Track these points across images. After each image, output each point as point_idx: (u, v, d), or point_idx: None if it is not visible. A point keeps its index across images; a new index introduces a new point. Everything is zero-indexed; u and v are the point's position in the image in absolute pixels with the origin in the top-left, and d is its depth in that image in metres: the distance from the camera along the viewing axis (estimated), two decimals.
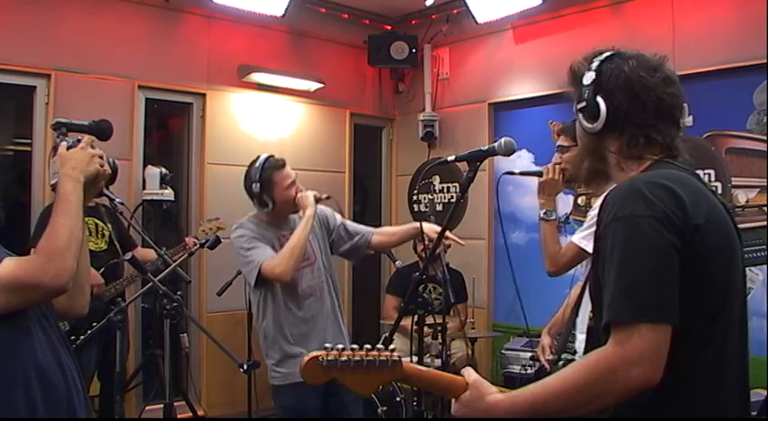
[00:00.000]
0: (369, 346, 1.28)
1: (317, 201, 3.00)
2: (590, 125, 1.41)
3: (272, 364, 2.98)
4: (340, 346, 1.28)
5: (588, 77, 1.41)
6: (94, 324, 3.07)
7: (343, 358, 1.26)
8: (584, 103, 1.41)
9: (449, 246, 4.45)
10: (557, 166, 2.62)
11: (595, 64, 1.41)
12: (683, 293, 1.20)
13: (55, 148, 1.78)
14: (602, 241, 1.28)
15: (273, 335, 2.97)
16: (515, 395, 1.28)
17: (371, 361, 1.27)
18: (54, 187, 1.73)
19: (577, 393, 1.20)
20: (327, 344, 1.28)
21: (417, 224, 3.04)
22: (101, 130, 1.92)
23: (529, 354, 4.22)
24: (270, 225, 3.02)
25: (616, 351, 1.18)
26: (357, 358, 1.27)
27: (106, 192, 1.86)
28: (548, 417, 1.29)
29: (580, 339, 2.36)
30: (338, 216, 3.24)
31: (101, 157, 1.75)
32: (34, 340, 1.53)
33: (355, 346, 1.28)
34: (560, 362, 1.59)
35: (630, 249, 1.22)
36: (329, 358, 1.26)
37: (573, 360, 1.40)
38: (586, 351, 1.39)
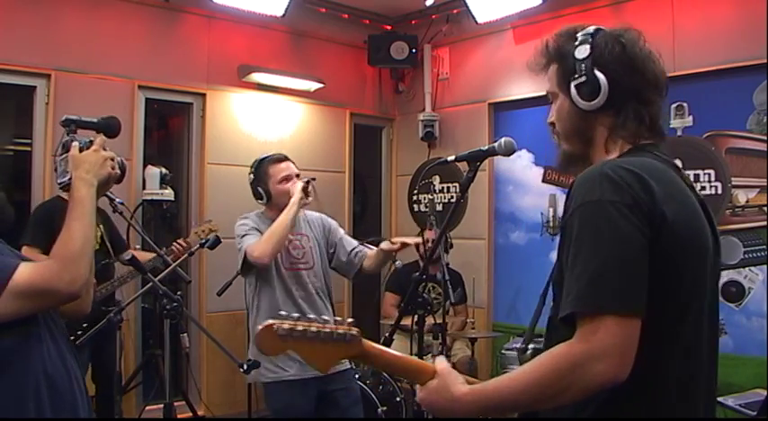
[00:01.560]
0: (326, 318, 1.23)
1: (305, 188, 2.99)
2: (588, 102, 1.31)
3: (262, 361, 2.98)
4: (296, 315, 1.22)
5: (582, 50, 1.31)
6: (85, 324, 3.07)
7: (300, 328, 1.20)
8: (583, 78, 1.30)
9: (451, 246, 4.47)
10: None
11: (586, 37, 1.32)
12: (651, 285, 1.14)
13: (64, 146, 1.77)
14: (569, 227, 1.21)
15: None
16: (480, 388, 1.24)
17: (328, 333, 1.21)
18: (62, 185, 1.72)
19: (541, 388, 1.14)
20: (282, 312, 1.24)
21: (383, 246, 3.05)
22: (109, 127, 1.91)
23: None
24: (272, 221, 3.03)
25: (580, 345, 1.11)
26: (313, 329, 1.20)
27: (107, 192, 1.86)
28: (513, 411, 1.27)
29: None
30: (341, 230, 3.26)
31: (112, 159, 1.74)
32: (44, 346, 1.52)
33: (312, 316, 1.23)
34: (528, 352, 1.54)
35: (598, 235, 1.15)
36: (285, 326, 1.19)
37: (539, 349, 1.35)
38: (545, 342, 1.32)
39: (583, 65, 1.31)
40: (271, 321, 1.21)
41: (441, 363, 1.30)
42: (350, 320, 1.25)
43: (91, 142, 1.74)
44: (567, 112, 1.37)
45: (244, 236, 2.96)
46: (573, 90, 1.33)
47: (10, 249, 1.61)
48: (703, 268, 1.24)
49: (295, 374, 2.93)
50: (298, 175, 3.06)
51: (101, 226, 3.72)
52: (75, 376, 1.59)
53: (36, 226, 3.44)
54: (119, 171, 1.77)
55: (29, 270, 1.47)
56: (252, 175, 3.03)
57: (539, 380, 1.15)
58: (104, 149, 1.73)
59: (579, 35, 1.34)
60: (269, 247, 2.85)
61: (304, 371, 2.91)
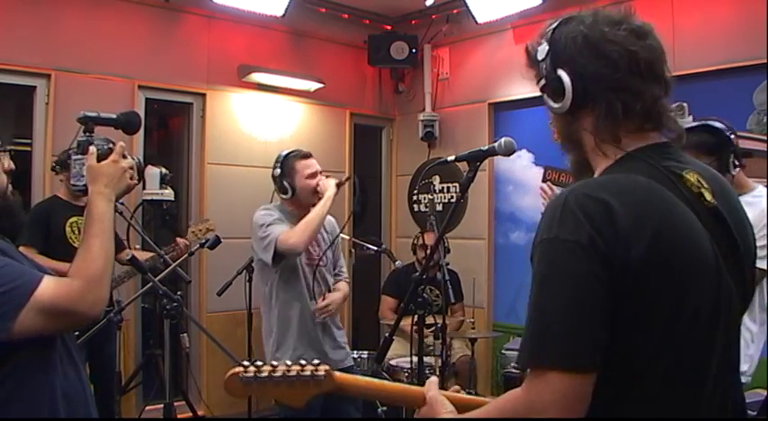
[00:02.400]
0: (289, 362, 1.24)
1: (338, 185, 3.04)
2: (557, 105, 1.20)
3: (274, 359, 2.97)
4: (259, 363, 1.23)
5: (542, 51, 1.21)
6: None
7: (263, 374, 1.22)
8: (543, 81, 1.21)
9: (448, 251, 4.47)
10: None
11: (548, 35, 1.22)
12: (622, 324, 1.05)
13: (80, 145, 1.66)
14: (532, 263, 1.13)
15: (276, 332, 2.98)
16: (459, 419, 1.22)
17: (292, 376, 1.22)
18: (76, 187, 1.64)
19: None
20: (246, 362, 1.25)
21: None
22: (129, 124, 1.80)
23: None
24: (292, 215, 3.04)
25: (522, 397, 1.07)
26: (278, 373, 1.22)
27: None
28: None
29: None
30: (339, 246, 3.29)
31: (132, 168, 1.63)
32: (59, 365, 1.47)
33: (275, 363, 1.24)
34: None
35: (548, 280, 1.07)
36: (247, 374, 1.22)
37: None
38: None
39: (543, 65, 1.22)
40: (236, 369, 1.23)
41: (430, 390, 1.27)
42: (316, 361, 1.25)
43: (110, 149, 1.62)
44: (552, 119, 1.28)
45: (270, 225, 2.92)
46: (544, 96, 1.24)
47: (19, 251, 1.57)
48: (696, 294, 1.09)
49: None
50: (321, 172, 3.09)
51: None
52: (91, 395, 1.55)
53: (33, 226, 3.43)
54: (137, 177, 1.68)
55: (53, 286, 1.38)
56: (278, 169, 3.03)
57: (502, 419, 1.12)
58: (124, 157, 1.62)
59: (546, 33, 1.23)
60: (305, 236, 2.86)
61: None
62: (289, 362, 1.24)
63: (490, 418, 1.15)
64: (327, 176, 3.13)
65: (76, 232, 3.62)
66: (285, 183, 3.01)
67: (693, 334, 1.09)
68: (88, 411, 1.52)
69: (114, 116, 1.79)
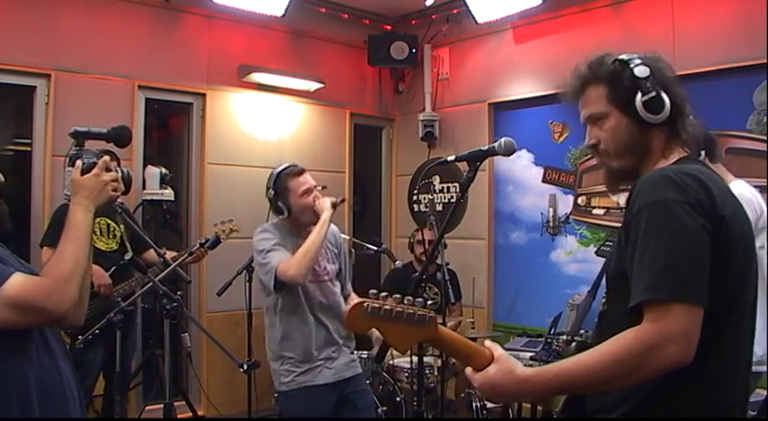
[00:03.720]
0: (410, 298, 1.30)
1: (334, 206, 2.96)
2: (655, 116, 1.43)
3: (281, 370, 2.92)
4: (384, 294, 1.29)
5: (641, 70, 1.43)
6: (103, 323, 3.07)
7: (387, 307, 1.28)
8: (652, 93, 1.42)
9: (445, 246, 4.46)
10: None
11: (640, 59, 1.45)
12: (710, 278, 1.25)
13: (71, 159, 1.75)
14: (634, 224, 1.30)
15: (288, 341, 2.92)
16: (545, 370, 1.31)
17: (411, 314, 1.29)
18: (66, 197, 1.72)
19: (612, 368, 1.23)
20: (373, 290, 1.30)
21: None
22: (120, 138, 1.89)
23: (529, 354, 4.22)
24: (291, 233, 2.97)
25: (653, 328, 1.21)
26: (399, 309, 1.28)
27: None
28: (575, 391, 1.35)
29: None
30: (347, 261, 3.23)
31: (115, 181, 1.73)
32: (34, 354, 1.53)
33: (398, 296, 1.30)
34: (573, 344, 1.60)
35: (666, 232, 1.26)
36: (374, 305, 1.27)
37: (585, 342, 1.41)
38: (595, 335, 1.43)
39: (648, 83, 1.42)
40: (361, 299, 1.28)
41: (497, 350, 1.36)
42: (430, 302, 1.31)
43: (94, 164, 1.71)
44: (624, 129, 1.46)
45: (269, 251, 2.86)
46: (639, 106, 1.43)
47: (16, 258, 1.62)
48: (750, 265, 1.36)
49: (311, 381, 2.90)
50: (315, 187, 3.02)
51: (120, 226, 3.72)
52: (69, 384, 1.60)
53: (55, 228, 3.45)
54: (122, 187, 1.77)
55: (21, 282, 1.48)
56: (272, 191, 2.93)
57: (611, 360, 1.23)
58: (108, 170, 1.72)
59: (627, 59, 1.45)
60: (303, 267, 2.79)
61: (322, 378, 2.90)
62: (410, 299, 1.30)
63: (610, 357, 1.25)
64: (324, 187, 3.06)
65: (98, 233, 3.65)
66: (280, 204, 2.93)
67: (752, 290, 1.36)
68: (65, 400, 1.57)
69: (105, 130, 1.88)
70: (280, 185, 2.94)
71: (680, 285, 1.22)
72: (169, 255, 3.71)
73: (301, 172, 2.99)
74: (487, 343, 1.38)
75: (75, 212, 1.64)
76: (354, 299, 1.28)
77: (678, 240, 1.25)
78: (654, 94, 1.42)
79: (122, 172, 1.79)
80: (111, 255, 3.65)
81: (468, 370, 1.35)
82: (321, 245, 2.87)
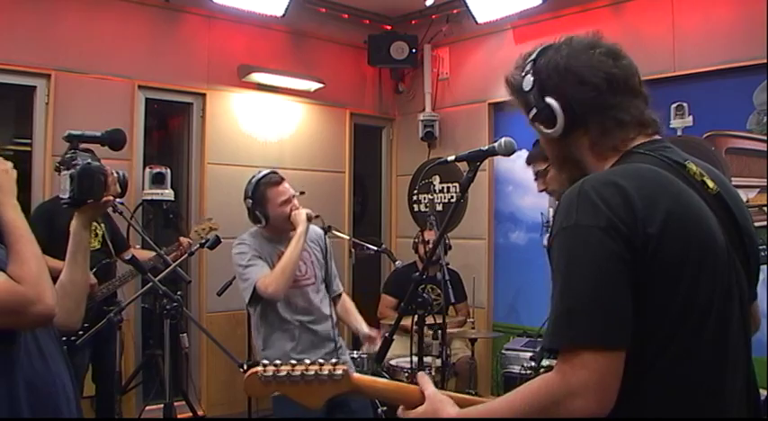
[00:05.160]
0: (308, 361, 1.26)
1: (309, 219, 2.98)
2: (550, 131, 1.28)
3: None
4: (278, 362, 1.25)
5: (527, 82, 1.29)
6: (86, 324, 3.06)
7: (282, 373, 1.24)
8: (534, 110, 1.29)
9: (449, 247, 4.47)
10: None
11: (528, 66, 1.30)
12: (642, 305, 1.09)
13: (64, 163, 1.75)
14: (551, 253, 1.17)
15: (271, 347, 2.96)
16: (469, 412, 1.22)
17: (311, 375, 1.24)
18: (63, 201, 1.73)
19: (526, 415, 1.12)
20: (265, 361, 1.26)
21: (361, 331, 3.13)
22: (114, 141, 1.88)
23: (529, 354, 4.22)
24: (269, 240, 3.01)
25: (557, 380, 1.09)
26: (297, 373, 1.24)
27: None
28: None
29: None
30: (332, 260, 3.23)
31: (104, 173, 1.70)
32: (21, 352, 1.50)
33: (294, 362, 1.26)
34: (541, 370, 1.53)
35: (572, 265, 1.11)
36: (266, 374, 1.24)
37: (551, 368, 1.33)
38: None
39: (531, 96, 1.29)
40: (255, 369, 1.25)
41: (427, 388, 1.27)
42: (333, 361, 1.26)
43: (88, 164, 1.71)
44: (546, 144, 1.36)
45: (247, 266, 2.90)
46: (534, 123, 1.31)
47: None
48: (709, 273, 1.15)
49: None
50: (293, 196, 3.03)
51: (102, 225, 3.72)
52: (64, 385, 1.58)
53: (35, 227, 3.42)
54: (118, 190, 1.76)
55: (1, 281, 1.43)
56: (250, 200, 2.98)
57: (522, 411, 1.13)
58: (96, 159, 1.71)
59: (526, 64, 1.31)
60: (281, 283, 2.83)
61: None
62: (308, 361, 1.25)
63: (523, 409, 1.14)
64: (302, 193, 3.08)
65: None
66: (257, 212, 2.97)
67: (712, 309, 1.14)
68: (57, 401, 1.55)
69: (99, 134, 1.86)
70: (258, 194, 2.97)
71: (585, 329, 1.07)
72: (147, 254, 3.71)
73: (280, 181, 3.01)
74: (420, 379, 1.30)
75: (4, 214, 1.59)
76: (252, 369, 1.26)
77: (584, 276, 1.09)
78: (535, 109, 1.28)
79: (118, 174, 1.77)
80: (93, 254, 3.63)
81: (400, 409, 1.29)
82: (297, 259, 2.91)
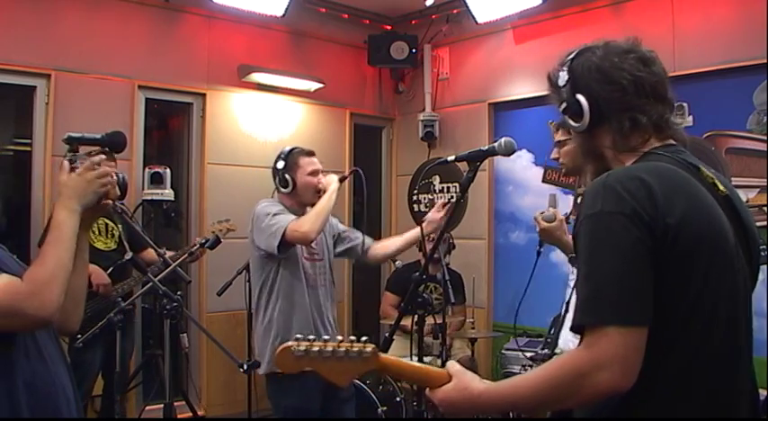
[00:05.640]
0: (340, 338, 1.29)
1: (341, 180, 3.10)
2: (577, 124, 1.39)
3: (272, 351, 2.98)
4: (312, 337, 1.28)
5: (562, 78, 1.41)
6: (102, 323, 3.07)
7: (315, 348, 1.27)
8: (564, 104, 1.40)
9: (453, 247, 4.47)
10: (539, 218, 2.63)
11: (567, 64, 1.41)
12: (660, 291, 1.18)
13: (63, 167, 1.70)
14: (577, 240, 1.26)
15: (277, 324, 3.00)
16: (496, 387, 1.30)
17: (343, 352, 1.28)
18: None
19: (549, 392, 1.20)
20: (299, 335, 1.29)
21: (418, 229, 3.07)
22: (114, 144, 1.86)
23: (529, 354, 4.22)
24: (291, 211, 3.05)
25: (585, 354, 1.16)
26: (329, 349, 1.27)
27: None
28: (525, 411, 1.35)
29: (563, 335, 2.39)
30: (341, 225, 3.34)
31: (101, 177, 1.65)
32: (19, 355, 1.50)
33: (327, 337, 1.30)
34: (554, 358, 1.58)
35: (597, 249, 1.20)
36: (301, 348, 1.27)
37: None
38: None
39: (563, 91, 1.40)
40: (289, 343, 1.28)
41: (453, 366, 1.34)
42: (364, 338, 1.31)
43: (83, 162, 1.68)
44: (574, 136, 1.48)
45: (276, 214, 2.95)
46: (564, 116, 1.42)
47: (15, 260, 1.61)
48: (720, 268, 1.24)
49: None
50: (322, 171, 3.13)
51: (119, 225, 3.73)
52: (63, 386, 1.58)
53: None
54: (118, 192, 1.73)
55: (1, 284, 1.43)
56: (282, 162, 3.06)
57: (546, 385, 1.20)
58: (96, 168, 1.66)
59: (565, 62, 1.42)
60: (317, 224, 2.90)
61: None
62: (339, 338, 1.29)
63: (543, 382, 1.22)
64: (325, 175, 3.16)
65: (96, 232, 3.65)
66: (287, 176, 3.04)
67: (720, 304, 1.24)
68: (57, 402, 1.55)
69: (98, 136, 1.84)
70: (290, 160, 3.07)
71: (612, 307, 1.15)
72: (168, 254, 3.71)
73: (312, 153, 3.15)
74: (448, 363, 1.38)
75: (57, 213, 1.60)
76: (284, 343, 1.29)
77: (610, 258, 1.18)
78: (566, 104, 1.39)
79: (118, 176, 1.75)
80: (109, 255, 3.65)
81: (428, 390, 1.34)
82: (330, 209, 2.98)
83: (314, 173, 3.08)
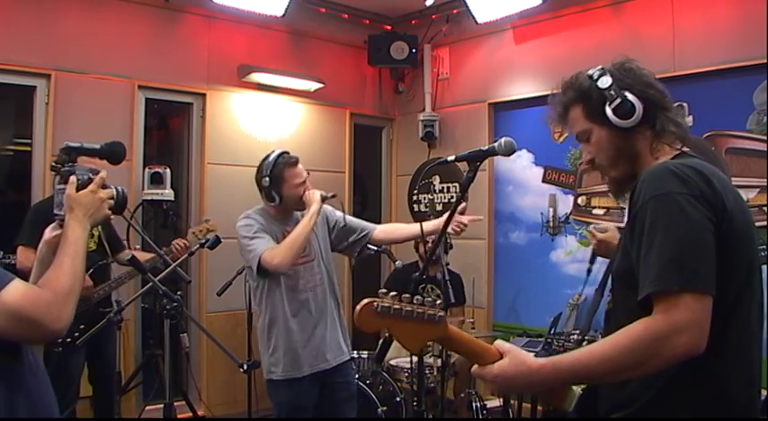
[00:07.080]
0: (419, 298, 1.30)
1: (324, 199, 3.02)
2: (628, 120, 1.45)
3: (269, 359, 3.00)
4: (393, 293, 1.29)
5: (604, 81, 1.48)
6: (82, 326, 3.06)
7: (396, 306, 1.27)
8: (618, 100, 1.45)
9: (450, 247, 4.47)
10: (593, 231, 2.32)
11: (600, 72, 1.50)
12: (717, 268, 1.26)
13: (62, 175, 1.68)
14: (638, 220, 1.32)
15: (273, 329, 2.99)
16: (558, 359, 1.32)
17: (420, 313, 1.28)
18: (58, 217, 1.66)
19: (624, 358, 1.24)
20: (382, 290, 1.29)
21: (419, 226, 3.05)
22: (113, 154, 1.83)
23: (530, 354, 4.22)
24: (275, 219, 3.05)
25: (663, 319, 1.22)
26: (408, 308, 1.28)
27: None
28: (588, 381, 1.36)
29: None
30: (338, 212, 3.25)
31: (111, 198, 1.67)
32: (26, 366, 1.48)
33: (407, 295, 1.29)
34: (584, 343, 1.60)
35: (672, 224, 1.27)
36: (384, 304, 1.27)
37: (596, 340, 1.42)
38: (605, 335, 1.41)
39: (612, 91, 1.47)
40: (370, 299, 1.27)
41: (504, 344, 1.37)
42: (438, 302, 1.32)
43: (90, 179, 1.65)
44: (607, 140, 1.51)
45: (253, 238, 2.92)
46: (610, 115, 1.46)
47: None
48: (754, 256, 1.38)
49: (299, 372, 2.96)
50: (307, 178, 3.08)
51: (98, 226, 3.72)
52: (52, 396, 1.56)
53: (32, 226, 3.41)
54: (119, 207, 1.72)
55: (22, 290, 1.38)
56: (267, 179, 2.98)
57: (622, 351, 1.25)
58: (104, 187, 1.66)
59: (591, 73, 1.51)
60: (289, 256, 2.85)
61: (309, 368, 2.96)
62: (418, 298, 1.29)
63: (619, 348, 1.27)
64: (333, 195, 3.11)
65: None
66: (274, 192, 2.98)
67: (757, 295, 1.38)
68: (53, 415, 1.53)
69: (98, 146, 1.81)
70: (276, 174, 2.99)
71: (688, 275, 1.23)
72: (146, 255, 3.70)
73: (296, 162, 3.06)
74: (496, 342, 1.39)
75: (72, 229, 1.57)
76: (364, 300, 1.28)
77: (684, 231, 1.26)
78: (619, 100, 1.45)
79: (117, 191, 1.72)
80: (89, 256, 3.62)
81: (476, 367, 1.36)
82: (308, 236, 2.93)
83: (300, 184, 3.02)
